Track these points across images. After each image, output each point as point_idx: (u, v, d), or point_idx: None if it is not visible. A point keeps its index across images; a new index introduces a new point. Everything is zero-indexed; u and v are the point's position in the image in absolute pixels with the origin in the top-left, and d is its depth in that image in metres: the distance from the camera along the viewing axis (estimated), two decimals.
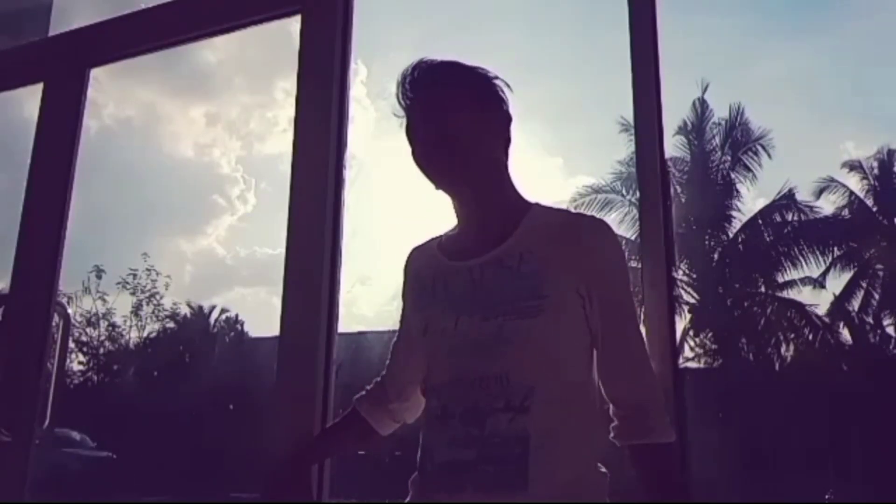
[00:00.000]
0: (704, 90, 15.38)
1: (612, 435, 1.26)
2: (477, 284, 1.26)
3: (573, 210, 1.43)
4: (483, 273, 1.27)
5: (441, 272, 1.33)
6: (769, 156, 15.18)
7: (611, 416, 1.27)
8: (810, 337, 14.57)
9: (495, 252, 1.28)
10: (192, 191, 24.31)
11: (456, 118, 1.31)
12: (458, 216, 1.39)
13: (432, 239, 1.43)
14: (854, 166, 15.41)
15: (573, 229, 1.29)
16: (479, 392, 1.20)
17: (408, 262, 1.46)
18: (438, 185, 1.34)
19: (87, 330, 16.70)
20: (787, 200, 15.18)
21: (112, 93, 21.28)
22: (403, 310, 1.44)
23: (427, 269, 1.38)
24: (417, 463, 1.28)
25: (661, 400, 1.27)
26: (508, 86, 1.37)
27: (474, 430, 1.18)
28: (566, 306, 1.22)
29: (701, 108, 15.47)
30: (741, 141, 15.40)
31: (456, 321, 1.25)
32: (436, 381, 1.29)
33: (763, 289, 15.21)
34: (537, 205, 1.36)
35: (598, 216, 1.38)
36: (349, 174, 2.08)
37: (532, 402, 1.17)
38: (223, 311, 17.77)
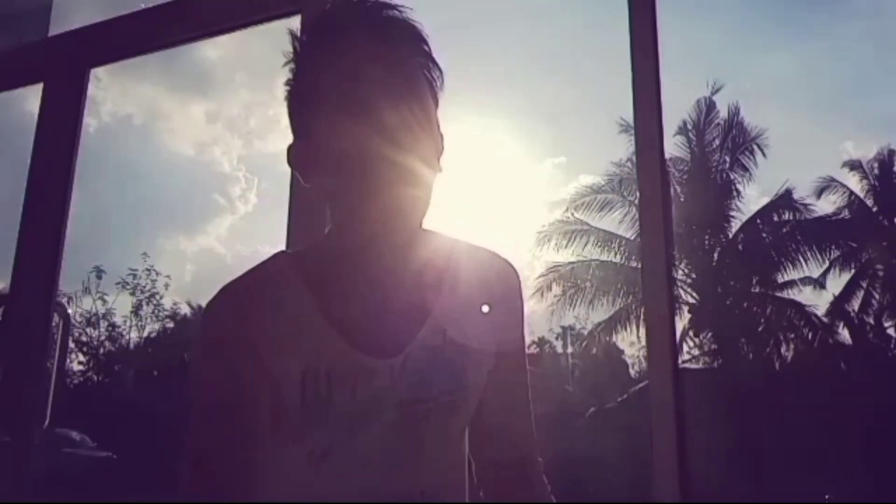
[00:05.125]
0: (715, 91, 15.36)
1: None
2: (396, 382, 0.94)
3: (474, 245, 1.08)
4: (406, 367, 0.94)
5: (344, 369, 0.92)
6: (763, 154, 15.19)
7: (491, 480, 1.08)
8: (810, 337, 14.57)
9: (421, 334, 0.96)
10: (192, 189, 24.33)
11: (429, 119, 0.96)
12: (350, 242, 0.96)
13: (281, 278, 0.96)
14: (854, 166, 15.42)
15: (495, 283, 1.05)
16: None
17: (242, 318, 0.93)
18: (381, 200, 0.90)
19: (87, 330, 16.71)
20: (786, 200, 15.18)
21: (111, 90, 21.32)
22: (232, 385, 0.92)
23: (311, 353, 0.92)
24: None
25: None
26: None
27: None
28: (480, 386, 1.01)
29: (707, 108, 15.46)
30: (740, 141, 15.40)
31: (366, 435, 0.93)
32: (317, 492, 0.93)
33: (763, 289, 15.21)
34: (435, 237, 1.03)
35: (501, 255, 1.09)
36: None
37: None
38: None
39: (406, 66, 0.92)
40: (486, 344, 1.01)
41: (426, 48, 0.95)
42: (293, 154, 0.97)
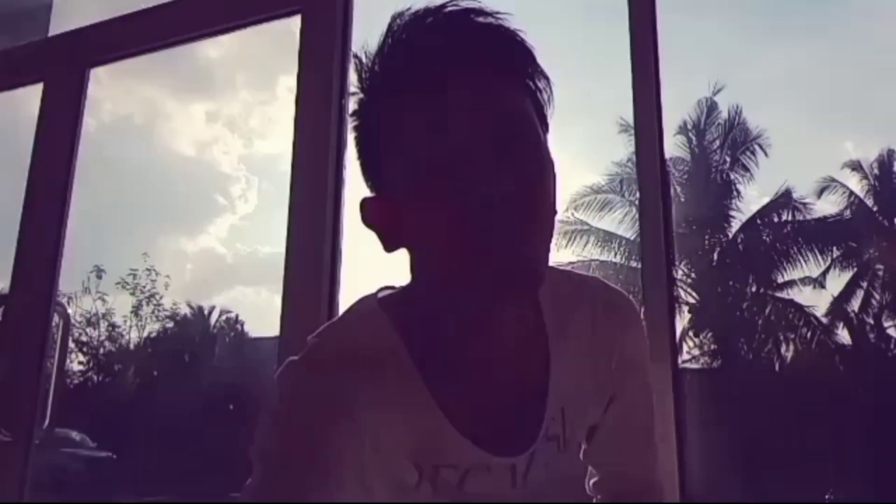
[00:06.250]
0: (716, 92, 15.36)
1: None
2: (518, 485, 0.81)
3: (580, 275, 0.94)
4: (529, 465, 0.82)
5: (457, 462, 0.79)
6: (766, 154, 15.21)
7: None
8: (809, 336, 14.57)
9: (544, 426, 0.83)
10: (192, 189, 24.30)
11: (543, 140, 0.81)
12: (452, 311, 0.80)
13: (383, 346, 0.79)
14: (854, 166, 15.41)
15: (602, 322, 0.89)
16: None
17: (341, 387, 0.77)
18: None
19: (87, 330, 16.70)
20: (786, 200, 15.19)
21: (111, 89, 21.29)
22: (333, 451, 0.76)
23: (420, 439, 0.78)
24: None
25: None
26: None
27: None
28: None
29: (707, 108, 15.46)
30: (740, 141, 15.41)
31: None
32: None
33: (763, 289, 15.21)
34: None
35: (611, 284, 0.95)
36: (349, 174, 2.08)
37: None
38: (223, 311, 17.79)
39: (509, 99, 0.76)
40: (599, 405, 0.91)
41: (531, 65, 0.79)
42: (369, 212, 0.80)
